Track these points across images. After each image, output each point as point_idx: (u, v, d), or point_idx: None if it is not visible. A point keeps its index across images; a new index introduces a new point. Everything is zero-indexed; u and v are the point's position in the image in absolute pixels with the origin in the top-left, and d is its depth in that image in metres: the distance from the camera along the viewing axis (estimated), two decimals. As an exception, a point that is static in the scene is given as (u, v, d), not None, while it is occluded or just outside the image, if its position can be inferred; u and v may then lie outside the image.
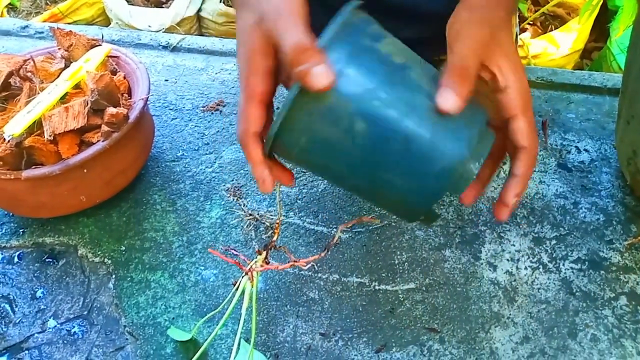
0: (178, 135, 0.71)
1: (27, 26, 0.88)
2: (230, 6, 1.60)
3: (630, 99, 0.57)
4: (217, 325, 0.51)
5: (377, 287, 0.56)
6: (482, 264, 0.57)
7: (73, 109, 0.56)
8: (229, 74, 0.80)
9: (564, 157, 0.67)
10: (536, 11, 1.62)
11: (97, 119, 0.57)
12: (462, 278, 0.56)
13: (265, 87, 0.40)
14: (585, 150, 0.68)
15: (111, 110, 0.56)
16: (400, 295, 0.55)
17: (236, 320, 0.52)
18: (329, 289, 0.56)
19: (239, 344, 0.47)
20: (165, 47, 0.84)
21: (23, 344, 0.53)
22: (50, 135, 0.54)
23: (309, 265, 0.56)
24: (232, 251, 0.53)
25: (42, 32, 0.87)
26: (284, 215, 0.62)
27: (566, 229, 0.60)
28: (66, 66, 0.62)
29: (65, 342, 0.53)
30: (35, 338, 0.53)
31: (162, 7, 1.64)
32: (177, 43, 0.85)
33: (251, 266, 0.48)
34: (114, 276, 0.57)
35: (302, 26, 0.38)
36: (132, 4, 1.62)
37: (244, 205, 0.63)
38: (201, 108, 0.75)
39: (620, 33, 1.37)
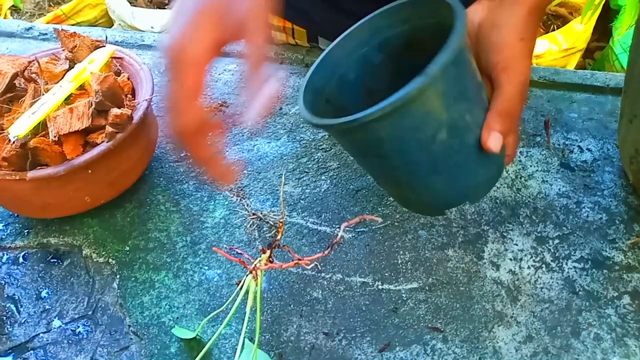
0: (181, 136, 0.71)
1: (31, 28, 0.88)
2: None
3: (633, 98, 0.57)
4: (221, 324, 0.51)
5: (380, 287, 0.56)
6: (485, 263, 0.57)
7: (77, 110, 0.56)
8: (232, 74, 0.80)
9: (566, 157, 0.67)
10: (538, 11, 1.61)
11: (101, 120, 0.57)
12: (465, 277, 0.56)
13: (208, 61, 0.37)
14: (588, 149, 0.68)
15: (115, 111, 0.56)
16: (403, 295, 0.55)
17: (240, 320, 0.53)
18: (332, 288, 0.56)
19: (243, 343, 0.47)
20: (168, 48, 0.85)
21: (28, 343, 0.53)
22: (55, 136, 0.54)
23: (313, 264, 0.56)
24: (236, 250, 0.54)
25: (46, 34, 0.87)
26: (287, 215, 0.62)
27: (569, 228, 0.60)
28: (70, 67, 0.62)
29: (70, 341, 0.53)
30: (41, 338, 0.53)
31: (165, 8, 1.64)
32: (180, 44, 0.85)
33: (255, 265, 0.48)
34: (118, 276, 0.58)
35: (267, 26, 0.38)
36: (135, 5, 1.63)
37: (247, 205, 0.63)
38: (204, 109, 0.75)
39: (622, 32, 1.37)
